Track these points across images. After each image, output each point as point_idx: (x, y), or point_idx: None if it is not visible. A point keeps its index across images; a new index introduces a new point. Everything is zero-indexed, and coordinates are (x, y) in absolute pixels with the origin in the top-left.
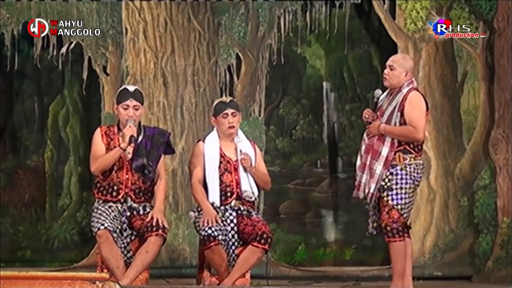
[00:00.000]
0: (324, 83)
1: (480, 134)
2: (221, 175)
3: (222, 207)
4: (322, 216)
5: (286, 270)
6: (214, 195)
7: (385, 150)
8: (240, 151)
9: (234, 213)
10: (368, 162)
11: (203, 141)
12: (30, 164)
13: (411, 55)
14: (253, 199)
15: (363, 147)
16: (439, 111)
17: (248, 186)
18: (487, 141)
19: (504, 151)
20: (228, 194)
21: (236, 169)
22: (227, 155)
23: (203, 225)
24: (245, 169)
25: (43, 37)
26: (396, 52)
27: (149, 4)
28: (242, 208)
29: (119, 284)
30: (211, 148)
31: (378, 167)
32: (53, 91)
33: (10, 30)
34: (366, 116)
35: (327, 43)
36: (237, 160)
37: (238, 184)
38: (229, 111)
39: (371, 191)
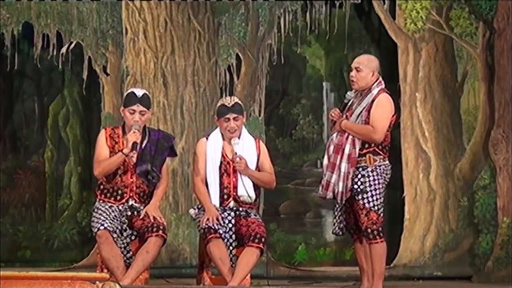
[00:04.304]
0: (324, 83)
1: (480, 134)
2: (220, 177)
3: (221, 207)
4: (322, 216)
5: (286, 270)
6: (214, 197)
7: (347, 148)
8: (235, 153)
9: (232, 214)
10: (337, 162)
11: (207, 139)
12: (30, 164)
13: (411, 55)
14: (250, 201)
15: (331, 147)
16: (439, 111)
17: (243, 191)
18: (487, 141)
19: (504, 151)
20: (225, 196)
21: (234, 172)
22: (228, 156)
23: (202, 223)
24: (240, 172)
25: (43, 37)
26: (396, 52)
27: (149, 4)
28: (240, 209)
29: (119, 284)
30: (213, 148)
31: (343, 165)
32: (53, 91)
33: (10, 30)
34: (333, 115)
35: (327, 43)
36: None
37: (235, 187)
38: (231, 115)
39: (340, 189)
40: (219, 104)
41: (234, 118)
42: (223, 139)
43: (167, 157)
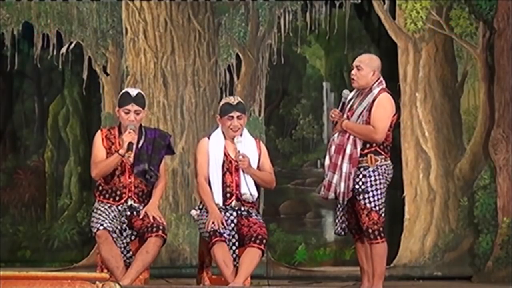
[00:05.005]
0: (324, 83)
1: (480, 134)
2: (222, 175)
3: (223, 207)
4: (322, 216)
5: (286, 270)
6: (217, 196)
7: (349, 148)
8: (238, 152)
9: (234, 213)
10: (339, 162)
11: (208, 138)
12: (30, 164)
13: (411, 55)
14: (252, 200)
15: (333, 147)
16: (439, 111)
17: (246, 188)
18: (487, 141)
19: (504, 151)
20: (228, 195)
21: (237, 170)
22: (230, 155)
23: (207, 227)
24: (243, 171)
25: (43, 37)
26: (396, 52)
27: (149, 4)
28: (242, 209)
29: (119, 284)
30: (215, 146)
31: (344, 165)
32: (53, 91)
33: (10, 30)
34: (333, 116)
35: (327, 43)
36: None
37: (237, 186)
38: (235, 114)
39: (341, 190)
40: (222, 102)
41: (238, 117)
42: (225, 138)
43: (164, 156)
